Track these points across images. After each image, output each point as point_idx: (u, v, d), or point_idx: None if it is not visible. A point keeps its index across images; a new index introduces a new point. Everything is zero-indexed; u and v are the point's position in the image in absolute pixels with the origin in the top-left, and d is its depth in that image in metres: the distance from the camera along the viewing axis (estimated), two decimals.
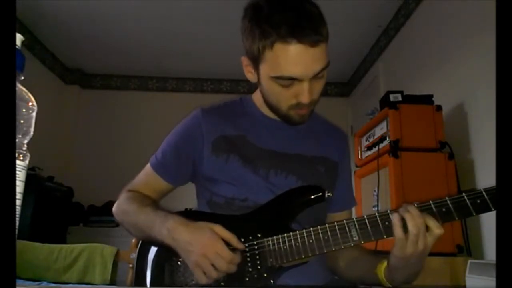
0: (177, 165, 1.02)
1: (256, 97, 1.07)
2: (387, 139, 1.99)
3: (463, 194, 0.78)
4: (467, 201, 0.77)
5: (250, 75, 0.97)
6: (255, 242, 0.86)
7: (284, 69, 0.85)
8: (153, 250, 0.93)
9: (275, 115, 1.01)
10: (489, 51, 1.91)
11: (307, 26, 0.83)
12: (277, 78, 0.87)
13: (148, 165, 1.05)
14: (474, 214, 0.77)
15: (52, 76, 4.12)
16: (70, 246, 1.97)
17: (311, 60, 0.85)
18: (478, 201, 0.76)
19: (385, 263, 0.86)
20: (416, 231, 0.75)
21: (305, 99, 0.89)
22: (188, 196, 1.18)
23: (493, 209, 0.75)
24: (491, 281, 1.40)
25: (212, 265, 0.80)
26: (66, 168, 4.09)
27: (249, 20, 0.90)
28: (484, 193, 0.76)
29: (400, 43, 3.15)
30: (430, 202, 0.79)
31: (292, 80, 0.87)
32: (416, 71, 2.83)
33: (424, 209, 0.79)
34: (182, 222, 0.86)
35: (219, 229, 0.84)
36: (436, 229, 0.76)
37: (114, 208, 1.02)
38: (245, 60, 0.97)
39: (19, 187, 0.50)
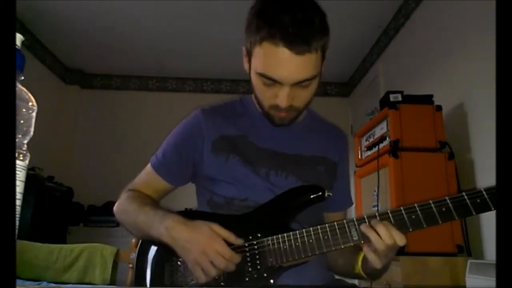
0: (178, 165, 1.02)
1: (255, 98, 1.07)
2: (387, 139, 1.99)
3: (463, 193, 0.78)
4: (467, 201, 0.77)
5: (246, 66, 0.98)
6: (255, 242, 0.86)
7: (267, 68, 0.86)
8: (153, 250, 0.93)
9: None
10: (489, 51, 1.91)
11: (299, 34, 0.82)
12: (261, 75, 0.88)
13: (149, 165, 1.05)
14: (474, 213, 0.77)
15: (52, 76, 4.12)
16: (70, 246, 1.96)
17: (295, 68, 0.84)
18: (478, 200, 0.76)
19: (361, 256, 0.91)
20: (384, 248, 0.79)
21: (282, 102, 0.89)
22: (188, 196, 1.18)
23: (493, 208, 0.75)
24: (491, 281, 1.40)
25: (211, 263, 0.80)
26: (66, 168, 4.09)
27: (252, 14, 0.90)
28: (484, 192, 0.76)
29: (400, 43, 3.15)
30: (430, 202, 0.79)
31: (273, 81, 0.87)
32: (416, 71, 2.83)
33: (396, 217, 0.81)
34: (181, 221, 0.86)
35: (217, 227, 0.84)
36: (400, 241, 0.79)
37: (115, 208, 1.02)
38: (244, 51, 0.97)
39: (19, 187, 0.50)
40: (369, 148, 2.22)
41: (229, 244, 0.84)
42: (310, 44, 0.83)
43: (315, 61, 0.86)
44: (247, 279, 0.84)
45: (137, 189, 1.04)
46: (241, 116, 1.05)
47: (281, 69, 0.84)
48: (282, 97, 0.88)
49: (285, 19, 0.82)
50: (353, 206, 1.21)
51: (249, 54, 0.92)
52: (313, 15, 0.85)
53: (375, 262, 0.81)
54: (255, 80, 0.92)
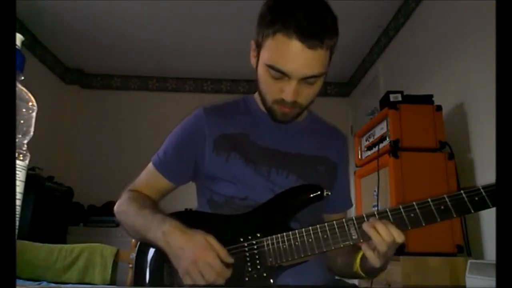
0: (179, 164, 1.02)
1: (258, 96, 1.07)
2: (387, 139, 1.99)
3: (461, 191, 0.78)
4: (465, 199, 0.77)
5: (253, 60, 0.98)
6: (255, 242, 0.86)
7: (278, 60, 0.86)
8: (153, 250, 0.93)
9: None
10: (489, 51, 1.91)
11: (312, 29, 0.84)
12: (270, 67, 0.88)
13: (150, 164, 1.05)
14: (473, 211, 0.77)
15: (52, 76, 4.12)
16: (70, 246, 1.96)
17: (305, 62, 0.85)
18: (476, 198, 0.77)
19: (360, 255, 0.90)
20: (385, 248, 0.78)
21: (288, 96, 0.89)
22: (188, 196, 1.18)
23: (491, 205, 0.75)
24: (491, 281, 1.40)
25: (201, 273, 0.79)
26: (66, 168, 4.09)
27: (267, 7, 0.91)
28: (482, 190, 0.76)
29: (400, 43, 3.15)
30: (429, 200, 0.80)
31: (282, 74, 0.87)
32: (416, 71, 2.83)
33: (394, 215, 0.81)
34: (178, 227, 0.85)
35: (212, 240, 0.82)
36: (399, 239, 0.78)
37: (115, 208, 1.02)
38: (253, 44, 0.97)
39: (19, 187, 0.50)
40: (369, 148, 2.22)
41: (229, 245, 0.84)
42: (322, 40, 0.85)
43: (324, 58, 0.88)
44: (246, 279, 0.84)
45: (138, 190, 1.03)
46: (243, 115, 1.06)
47: (291, 62, 0.85)
48: (288, 91, 0.89)
49: (300, 14, 0.84)
50: (353, 206, 1.21)
51: (259, 47, 0.93)
52: (326, 14, 0.87)
53: (374, 261, 0.81)
54: (262, 72, 0.92)
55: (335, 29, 0.89)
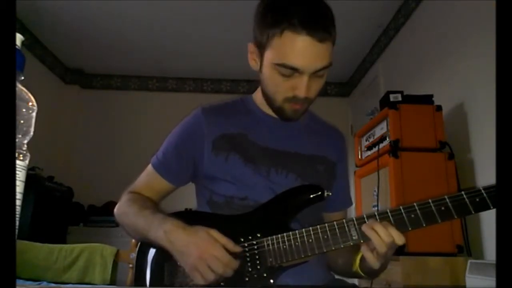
0: (178, 164, 1.02)
1: (257, 96, 1.07)
2: (387, 139, 1.99)
3: (462, 192, 0.78)
4: (466, 200, 0.77)
5: (253, 63, 0.98)
6: (255, 242, 0.86)
7: (288, 58, 0.86)
8: (153, 250, 0.93)
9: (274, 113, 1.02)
10: (489, 51, 1.91)
11: (319, 22, 0.85)
12: (279, 66, 0.88)
13: (149, 166, 1.05)
14: (473, 212, 0.77)
15: (52, 76, 4.12)
16: (70, 246, 1.96)
17: (316, 55, 0.86)
18: (477, 199, 0.77)
19: (360, 255, 0.90)
20: (385, 250, 0.78)
21: (301, 92, 0.89)
22: (188, 196, 1.18)
23: (492, 207, 0.75)
24: (491, 281, 1.40)
25: (209, 267, 0.80)
26: (66, 168, 4.09)
27: (263, 7, 0.92)
28: (483, 191, 0.76)
29: (400, 43, 3.16)
30: (430, 201, 0.80)
31: (293, 70, 0.88)
32: (416, 71, 2.83)
33: (395, 216, 0.81)
34: (180, 225, 0.85)
35: (215, 233, 0.83)
36: (399, 240, 0.78)
37: (115, 210, 1.02)
38: (251, 47, 0.97)
39: (19, 187, 0.50)
40: (369, 148, 2.22)
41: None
42: (330, 32, 0.87)
43: (331, 50, 0.89)
44: (247, 279, 0.84)
45: (137, 191, 1.04)
46: (242, 115, 1.06)
47: (303, 57, 0.86)
48: (301, 87, 0.89)
49: (302, 11, 0.85)
50: (353, 206, 1.22)
51: (262, 48, 0.92)
52: (325, 9, 0.89)
53: (373, 262, 0.81)
54: (269, 73, 0.92)
55: (334, 23, 0.90)
